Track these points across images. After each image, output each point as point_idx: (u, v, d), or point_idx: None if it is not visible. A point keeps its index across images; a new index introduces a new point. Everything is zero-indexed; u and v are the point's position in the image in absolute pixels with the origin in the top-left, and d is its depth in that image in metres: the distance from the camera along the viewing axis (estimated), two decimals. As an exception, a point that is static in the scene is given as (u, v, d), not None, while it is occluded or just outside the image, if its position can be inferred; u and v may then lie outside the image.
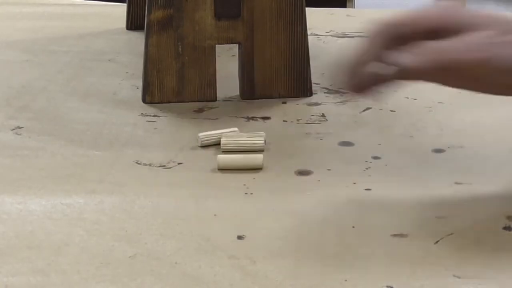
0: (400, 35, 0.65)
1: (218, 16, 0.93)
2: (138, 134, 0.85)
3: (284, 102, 0.94)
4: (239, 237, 0.63)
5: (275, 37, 0.94)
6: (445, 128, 0.86)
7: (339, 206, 0.69)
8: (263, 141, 0.80)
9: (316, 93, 0.97)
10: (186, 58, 0.94)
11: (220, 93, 0.96)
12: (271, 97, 0.95)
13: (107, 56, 1.14)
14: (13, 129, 0.86)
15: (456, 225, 0.65)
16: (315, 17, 1.29)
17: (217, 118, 0.89)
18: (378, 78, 0.65)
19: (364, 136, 0.84)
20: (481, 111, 0.89)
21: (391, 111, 0.91)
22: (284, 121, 0.89)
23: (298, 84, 0.96)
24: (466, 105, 0.90)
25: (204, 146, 0.81)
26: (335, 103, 0.93)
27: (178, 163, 0.77)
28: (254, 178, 0.74)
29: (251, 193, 0.71)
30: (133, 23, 1.28)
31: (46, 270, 0.58)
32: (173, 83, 0.94)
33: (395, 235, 0.64)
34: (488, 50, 0.63)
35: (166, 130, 0.87)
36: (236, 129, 0.83)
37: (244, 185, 0.73)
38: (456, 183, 0.73)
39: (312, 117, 0.89)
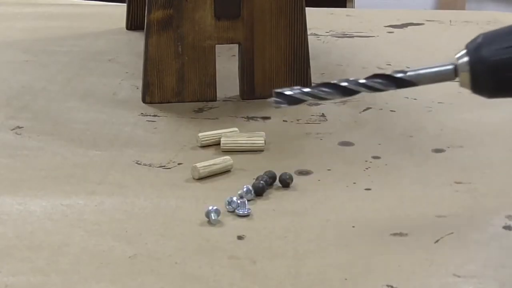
0: None
1: (218, 16, 0.93)
2: (138, 134, 0.85)
3: (284, 102, 0.94)
4: (239, 237, 0.63)
5: (275, 37, 0.94)
6: (445, 128, 0.86)
7: (339, 206, 0.69)
8: (263, 141, 0.80)
9: (316, 93, 0.96)
10: (186, 58, 0.94)
11: (220, 93, 0.95)
12: (271, 97, 0.95)
13: (107, 56, 1.14)
14: (13, 129, 0.86)
15: (456, 225, 0.65)
16: (315, 17, 1.29)
17: (217, 118, 0.89)
18: None
19: (364, 136, 0.84)
20: (481, 111, 0.89)
21: (391, 111, 0.91)
22: (284, 121, 0.89)
23: (298, 84, 0.95)
24: (466, 105, 0.90)
25: (204, 146, 0.81)
26: (335, 103, 0.93)
27: (178, 163, 0.77)
28: (254, 178, 0.74)
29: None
30: (133, 23, 1.28)
31: (46, 270, 0.58)
32: (173, 83, 0.94)
33: (395, 235, 0.64)
34: None
35: (166, 130, 0.87)
36: (236, 129, 0.83)
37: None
38: (456, 182, 0.73)
39: (312, 117, 0.89)
